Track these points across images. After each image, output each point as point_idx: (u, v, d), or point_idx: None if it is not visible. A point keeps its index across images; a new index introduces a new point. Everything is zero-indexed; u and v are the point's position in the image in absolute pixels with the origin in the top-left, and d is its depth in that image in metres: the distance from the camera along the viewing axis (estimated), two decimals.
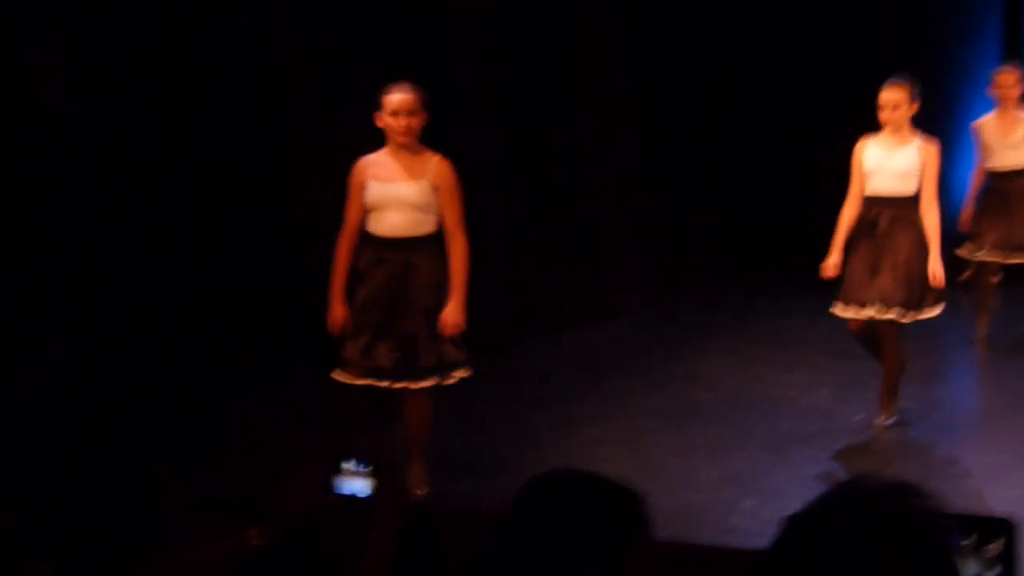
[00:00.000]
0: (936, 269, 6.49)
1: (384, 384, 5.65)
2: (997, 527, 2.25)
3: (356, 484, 3.44)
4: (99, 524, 5.37)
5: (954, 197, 9.81)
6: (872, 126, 6.66)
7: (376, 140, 5.76)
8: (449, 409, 6.58)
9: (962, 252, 8.26)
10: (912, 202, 6.58)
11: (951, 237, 9.24)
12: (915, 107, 6.58)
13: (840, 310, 6.66)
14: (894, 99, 6.53)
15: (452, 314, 5.62)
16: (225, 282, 7.29)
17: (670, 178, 10.43)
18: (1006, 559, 2.24)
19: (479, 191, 8.45)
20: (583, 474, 2.21)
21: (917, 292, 6.52)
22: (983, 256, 8.25)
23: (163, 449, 6.21)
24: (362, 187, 5.66)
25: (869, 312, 6.54)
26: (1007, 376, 7.91)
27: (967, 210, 8.36)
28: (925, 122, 9.78)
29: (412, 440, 5.88)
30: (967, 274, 9.35)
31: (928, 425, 6.94)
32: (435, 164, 5.64)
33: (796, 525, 1.88)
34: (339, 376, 5.75)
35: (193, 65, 7.27)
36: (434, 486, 5.96)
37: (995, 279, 8.35)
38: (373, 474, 3.44)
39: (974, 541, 2.23)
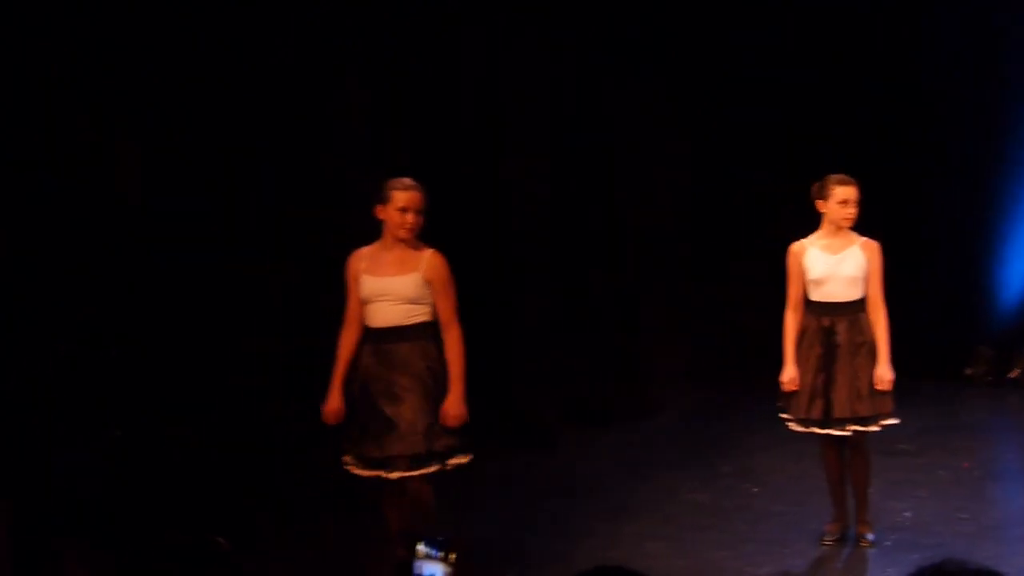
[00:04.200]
0: (883, 373, 6.29)
1: (388, 474, 5.64)
2: None
3: (434, 567, 3.40)
4: None
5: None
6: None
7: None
8: (496, 501, 6.95)
9: None
10: (862, 305, 6.37)
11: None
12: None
13: (799, 427, 6.46)
14: (857, 193, 6.35)
15: (453, 406, 5.61)
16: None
17: (717, 270, 10.80)
18: None
19: (525, 289, 8.93)
20: (627, 571, 2.27)
21: (878, 401, 6.31)
22: None
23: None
24: (356, 280, 5.72)
25: (834, 429, 6.35)
26: None
27: None
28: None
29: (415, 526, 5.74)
30: (1018, 370, 9.67)
31: (980, 524, 6.84)
32: (428, 258, 5.68)
33: None
34: (348, 465, 5.79)
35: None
36: None
37: None
38: (445, 559, 3.39)
39: None
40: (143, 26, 7.04)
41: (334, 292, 6.02)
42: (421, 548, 3.37)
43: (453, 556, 3.35)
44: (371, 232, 5.93)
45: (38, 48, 6.57)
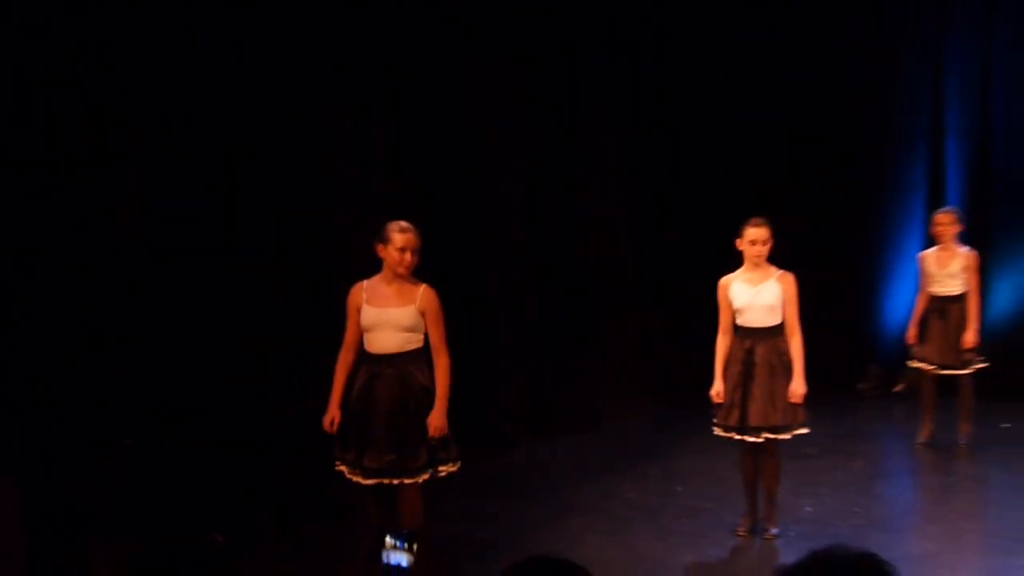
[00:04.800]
0: (796, 388, 7.14)
1: (384, 481, 6.27)
2: None
3: (400, 556, 3.90)
4: None
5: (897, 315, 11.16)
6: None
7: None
8: (459, 499, 7.69)
9: (912, 363, 9.54)
10: (779, 330, 7.21)
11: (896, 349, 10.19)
12: (771, 243, 7.18)
13: (722, 432, 7.29)
14: (765, 235, 7.18)
15: (436, 418, 6.27)
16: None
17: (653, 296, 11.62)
18: None
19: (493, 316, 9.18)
20: (554, 560, 2.57)
21: (790, 413, 7.17)
22: (925, 367, 9.42)
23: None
24: (358, 310, 6.32)
25: (749, 436, 7.21)
26: (939, 476, 9.17)
27: (913, 328, 9.49)
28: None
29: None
30: (902, 385, 10.85)
31: (870, 517, 7.84)
32: (422, 292, 6.32)
33: None
34: (345, 472, 6.35)
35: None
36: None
37: (933, 388, 9.49)
38: (409, 549, 3.90)
39: None
40: (143, 26, 7.05)
41: (333, 292, 6.13)
42: (389, 539, 3.89)
43: (416, 547, 3.87)
44: (370, 233, 6.22)
45: (38, 48, 6.58)
